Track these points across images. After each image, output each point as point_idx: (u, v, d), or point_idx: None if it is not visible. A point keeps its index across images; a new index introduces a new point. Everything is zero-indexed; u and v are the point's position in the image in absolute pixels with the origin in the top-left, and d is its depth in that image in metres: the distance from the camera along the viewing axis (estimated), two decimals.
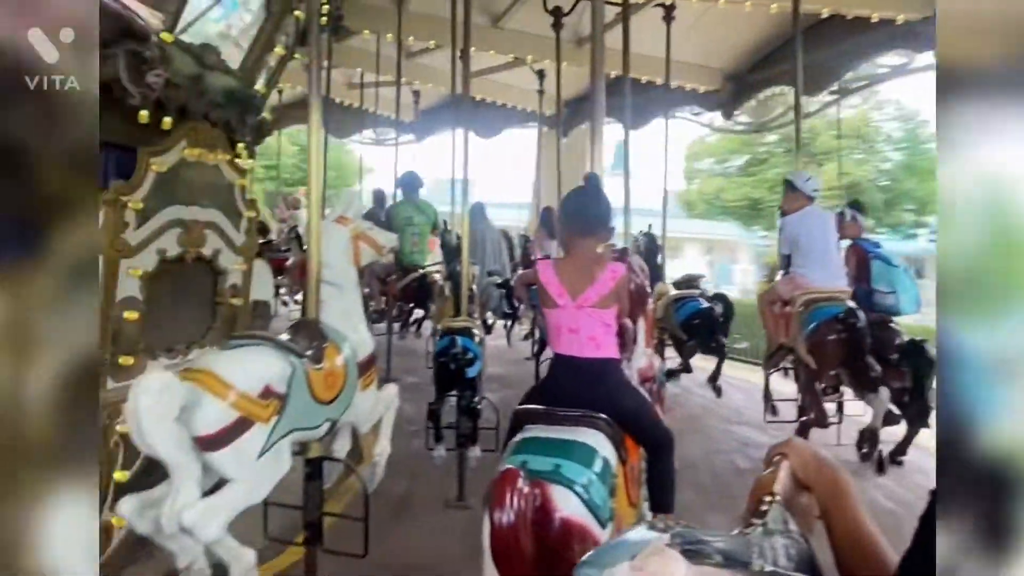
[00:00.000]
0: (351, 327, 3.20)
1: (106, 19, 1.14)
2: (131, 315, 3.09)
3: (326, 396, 2.94)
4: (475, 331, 4.55)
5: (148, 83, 3.58)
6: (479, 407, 4.32)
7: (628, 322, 2.90)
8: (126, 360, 3.08)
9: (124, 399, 2.76)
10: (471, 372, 4.32)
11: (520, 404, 2.63)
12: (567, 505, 2.09)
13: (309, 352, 2.89)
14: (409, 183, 7.89)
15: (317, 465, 3.02)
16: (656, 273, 6.48)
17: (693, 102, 10.31)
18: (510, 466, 2.11)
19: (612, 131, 8.43)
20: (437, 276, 7.10)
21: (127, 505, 2.53)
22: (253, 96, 5.07)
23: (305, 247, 9.44)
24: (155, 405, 2.29)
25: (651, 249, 6.99)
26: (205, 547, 2.54)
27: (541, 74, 9.87)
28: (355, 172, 17.16)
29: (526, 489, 2.03)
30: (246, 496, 2.58)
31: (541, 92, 9.99)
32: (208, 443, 2.46)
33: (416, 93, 11.81)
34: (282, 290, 10.00)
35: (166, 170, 3.23)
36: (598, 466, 2.29)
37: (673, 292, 6.87)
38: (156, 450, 2.38)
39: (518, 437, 2.43)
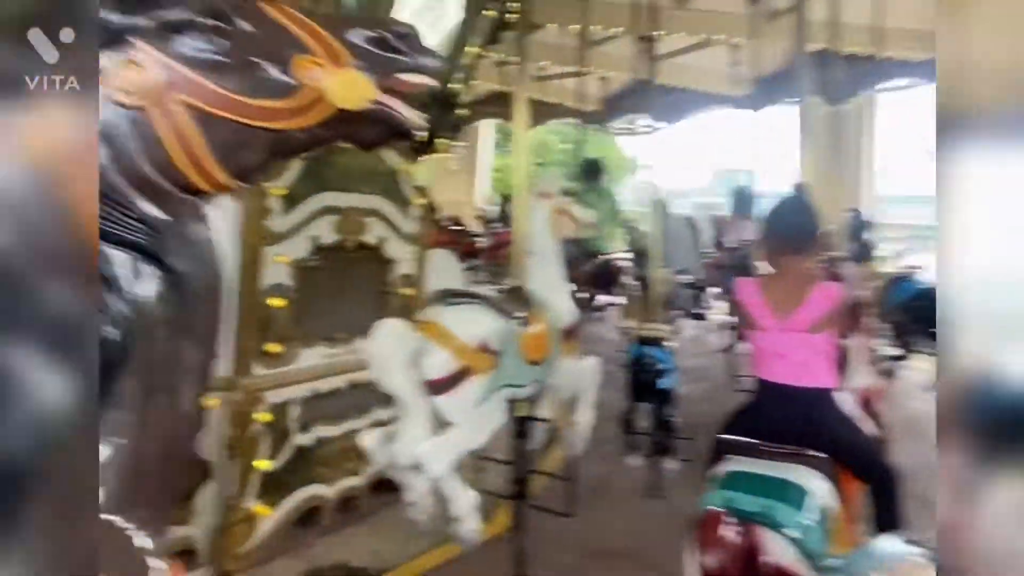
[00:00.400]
0: (554, 296, 3.45)
1: (373, 122, 1.14)
2: (278, 302, 3.13)
3: (534, 357, 3.15)
4: (668, 340, 4.47)
5: None
6: (674, 420, 4.25)
7: (846, 342, 2.71)
8: (273, 347, 3.13)
9: (269, 387, 3.05)
10: (664, 384, 4.26)
11: (723, 431, 2.49)
12: (779, 551, 1.97)
13: (519, 314, 3.12)
14: (591, 170, 7.97)
15: (524, 424, 3.23)
16: (864, 252, 6.04)
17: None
18: (716, 507, 2.02)
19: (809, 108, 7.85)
20: (620, 263, 7.10)
21: (370, 438, 2.95)
22: (452, 94, 5.40)
23: (496, 228, 9.75)
24: (391, 348, 2.70)
25: (857, 227, 6.51)
26: (431, 486, 2.82)
27: (736, 51, 9.44)
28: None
29: (734, 533, 1.93)
30: (467, 440, 2.87)
31: (736, 69, 9.53)
32: (436, 387, 2.78)
33: (602, 81, 11.82)
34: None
35: (314, 157, 3.24)
36: (813, 509, 2.10)
37: (890, 271, 6.36)
38: (392, 388, 2.74)
39: (722, 469, 2.30)
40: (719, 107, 11.68)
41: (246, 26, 1.09)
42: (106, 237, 1.00)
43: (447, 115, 5.01)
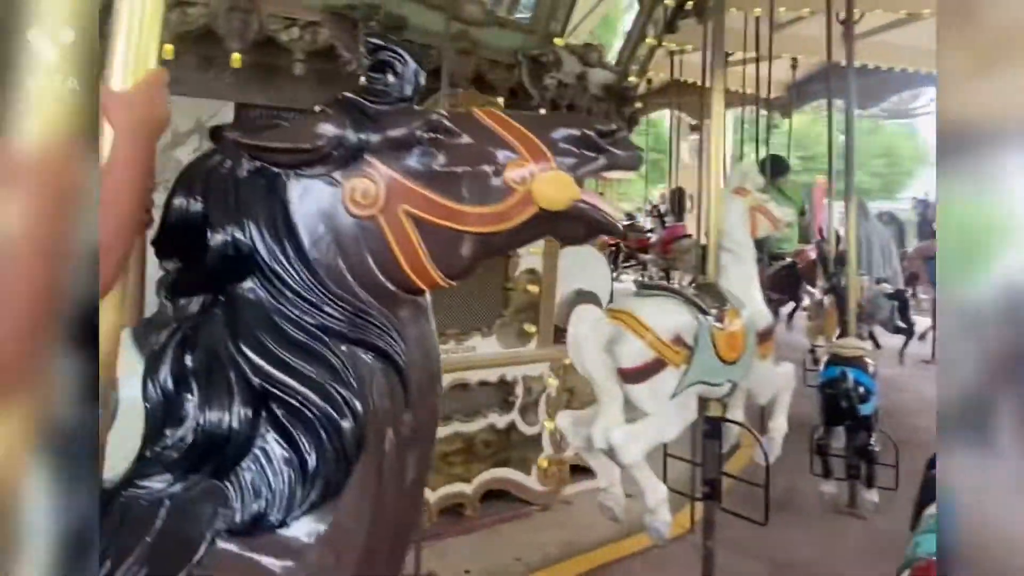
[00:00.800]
0: (748, 296, 3.33)
1: (575, 219, 1.20)
2: None
3: (728, 356, 3.08)
4: (868, 360, 4.09)
5: (544, 85, 3.99)
6: (875, 449, 3.90)
7: None
8: None
9: None
10: (865, 409, 3.90)
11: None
12: None
13: (713, 311, 3.05)
14: (773, 167, 7.53)
15: (716, 425, 3.15)
16: None
17: None
18: (931, 556, 1.79)
19: None
20: (805, 267, 6.64)
21: (564, 419, 3.04)
22: (627, 87, 5.31)
23: (667, 224, 9.54)
24: (590, 333, 2.75)
25: (925, 217, 5.66)
26: (622, 473, 2.87)
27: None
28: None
29: None
30: (659, 431, 2.87)
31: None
32: (630, 376, 2.82)
33: (794, 63, 11.09)
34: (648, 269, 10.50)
35: None
36: None
37: None
38: (589, 373, 2.80)
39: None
40: (926, 87, 10.56)
41: (463, 138, 1.17)
42: (344, 337, 1.10)
43: (622, 108, 4.93)
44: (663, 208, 10.84)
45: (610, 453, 2.79)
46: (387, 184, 1.14)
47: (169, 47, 2.59)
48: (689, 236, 9.34)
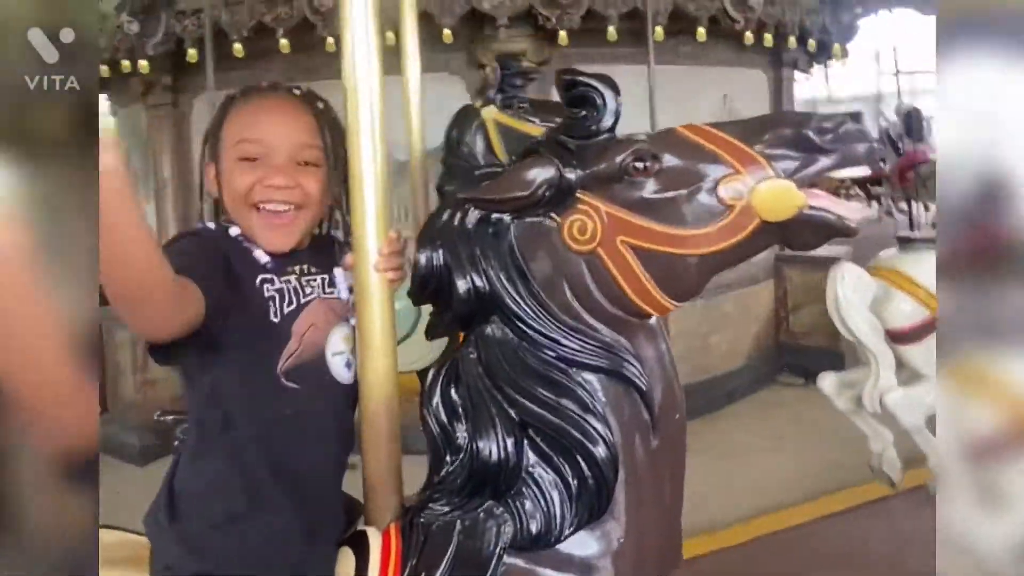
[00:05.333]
0: None
1: (805, 226, 1.12)
2: None
3: None
4: None
5: (750, 5, 3.66)
6: None
7: None
8: None
9: None
10: None
11: None
12: None
13: None
14: None
15: None
16: None
17: None
18: None
19: None
20: None
21: (827, 381, 2.89)
22: None
23: (903, 149, 8.43)
24: (851, 293, 2.57)
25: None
26: (895, 438, 2.78)
27: None
28: None
29: None
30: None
31: None
32: (901, 336, 2.71)
33: None
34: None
35: None
36: None
37: None
38: (854, 333, 2.69)
39: None
40: None
41: (672, 160, 1.15)
42: (584, 366, 1.17)
43: (841, 15, 4.38)
44: (895, 132, 9.39)
45: (883, 417, 2.71)
46: (602, 218, 1.16)
47: None
48: (927, 161, 8.18)
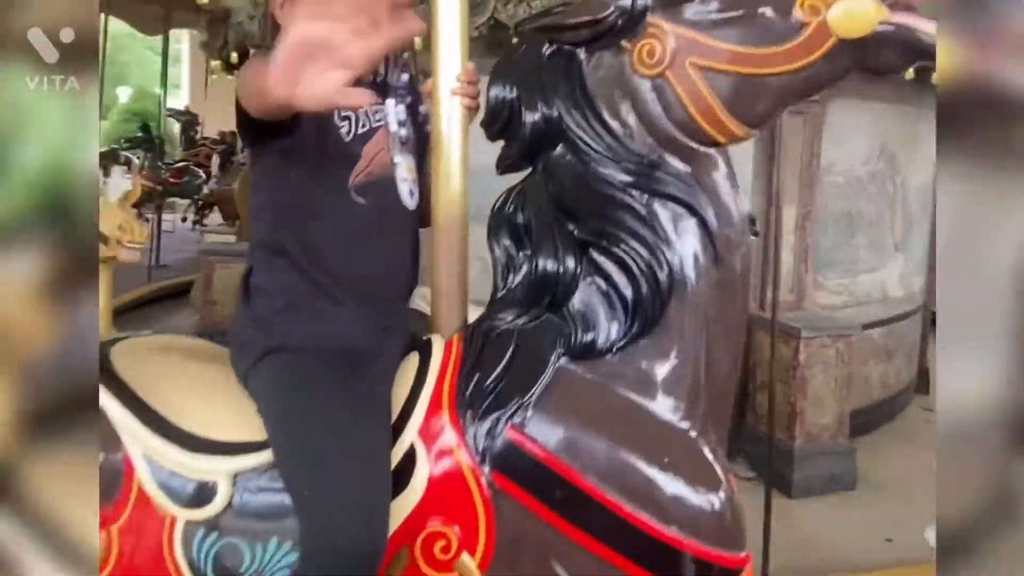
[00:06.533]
0: None
1: (885, 45, 1.07)
2: None
3: None
4: None
5: None
6: None
7: None
8: None
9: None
10: None
11: None
12: None
13: None
14: None
15: None
16: None
17: None
18: None
19: None
20: None
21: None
22: None
23: None
24: None
25: None
26: None
27: None
28: None
29: None
30: None
31: None
32: None
33: None
34: None
35: None
36: None
37: None
38: None
39: None
40: None
41: None
42: (648, 190, 1.20)
43: None
44: None
45: None
46: (671, 40, 1.17)
47: None
48: None
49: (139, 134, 12.35)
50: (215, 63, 4.90)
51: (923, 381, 4.34)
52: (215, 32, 4.58)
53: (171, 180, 9.79)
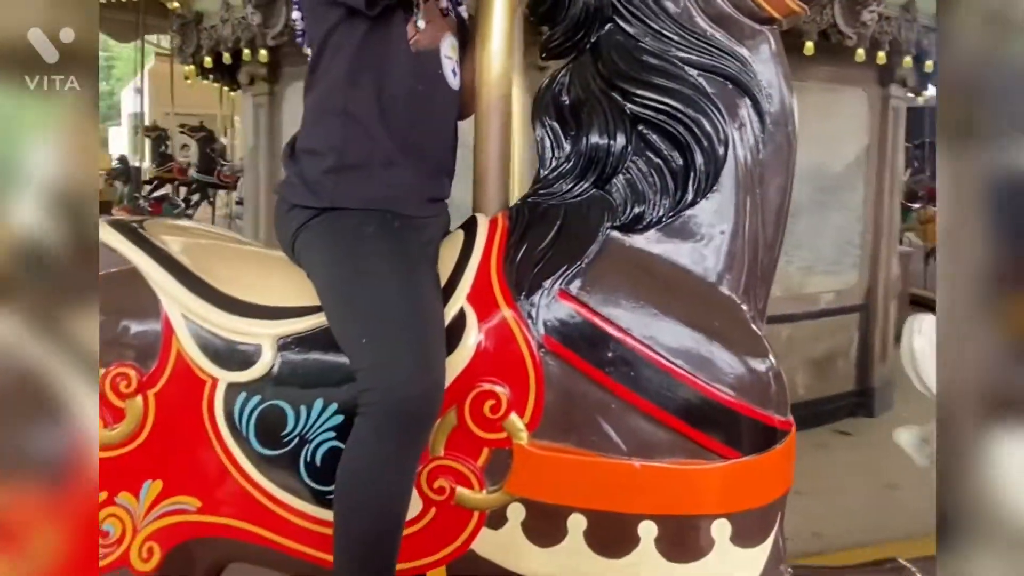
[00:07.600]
0: None
1: None
2: None
3: None
4: None
5: (863, 22, 3.39)
6: None
7: None
8: None
9: None
10: None
11: None
12: None
13: None
14: None
15: None
16: None
17: None
18: None
19: None
20: None
21: (904, 436, 2.63)
22: None
23: None
24: (929, 346, 2.34)
25: None
26: None
27: None
28: None
29: None
30: None
31: None
32: None
33: None
34: None
35: None
36: None
37: None
38: (929, 387, 2.43)
39: None
40: None
41: None
42: (698, 65, 1.23)
43: None
44: None
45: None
46: None
47: None
48: None
49: (116, 165, 12.47)
50: (189, 68, 4.83)
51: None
52: (187, 37, 4.52)
53: (151, 211, 9.93)
